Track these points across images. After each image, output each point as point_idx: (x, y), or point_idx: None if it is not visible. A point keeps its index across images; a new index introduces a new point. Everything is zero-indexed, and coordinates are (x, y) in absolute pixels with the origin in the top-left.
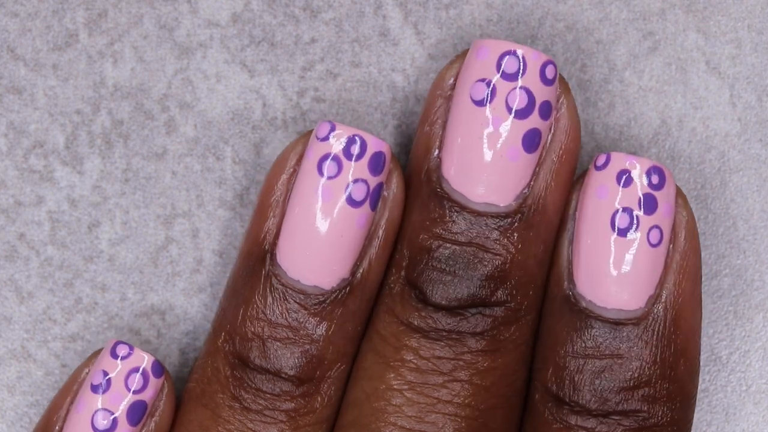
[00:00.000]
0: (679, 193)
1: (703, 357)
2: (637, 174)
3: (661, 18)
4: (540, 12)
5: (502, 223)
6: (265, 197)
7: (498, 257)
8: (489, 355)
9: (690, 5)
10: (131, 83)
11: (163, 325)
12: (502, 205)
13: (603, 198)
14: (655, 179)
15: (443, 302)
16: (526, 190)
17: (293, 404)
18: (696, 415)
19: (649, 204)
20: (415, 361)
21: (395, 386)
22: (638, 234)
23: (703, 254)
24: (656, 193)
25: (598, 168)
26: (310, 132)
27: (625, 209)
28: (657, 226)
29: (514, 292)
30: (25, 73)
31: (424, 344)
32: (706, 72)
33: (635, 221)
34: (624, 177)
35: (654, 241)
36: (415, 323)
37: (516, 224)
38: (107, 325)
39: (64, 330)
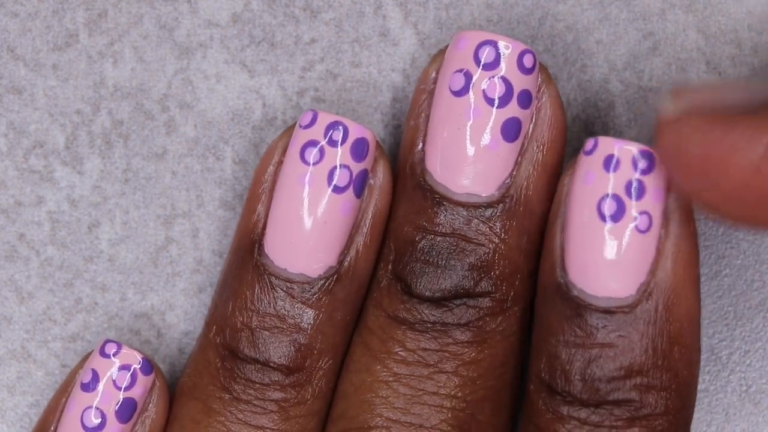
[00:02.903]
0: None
1: (703, 357)
2: (625, 159)
3: (661, 18)
4: (540, 12)
5: (484, 214)
6: (254, 190)
7: (480, 247)
8: (475, 347)
9: (690, 5)
10: (131, 83)
11: (163, 325)
12: (483, 195)
13: (590, 184)
14: (643, 164)
15: (427, 293)
16: (508, 180)
17: (283, 394)
18: (696, 415)
19: (638, 189)
20: (401, 353)
21: (382, 378)
22: (626, 221)
23: (703, 254)
24: (644, 178)
25: (586, 153)
26: (296, 123)
27: (612, 195)
28: (646, 212)
29: (498, 282)
30: (25, 73)
31: (410, 336)
32: (706, 72)
33: (623, 207)
34: (611, 162)
35: (643, 227)
36: (401, 315)
37: (498, 214)
38: (107, 325)
39: (64, 330)
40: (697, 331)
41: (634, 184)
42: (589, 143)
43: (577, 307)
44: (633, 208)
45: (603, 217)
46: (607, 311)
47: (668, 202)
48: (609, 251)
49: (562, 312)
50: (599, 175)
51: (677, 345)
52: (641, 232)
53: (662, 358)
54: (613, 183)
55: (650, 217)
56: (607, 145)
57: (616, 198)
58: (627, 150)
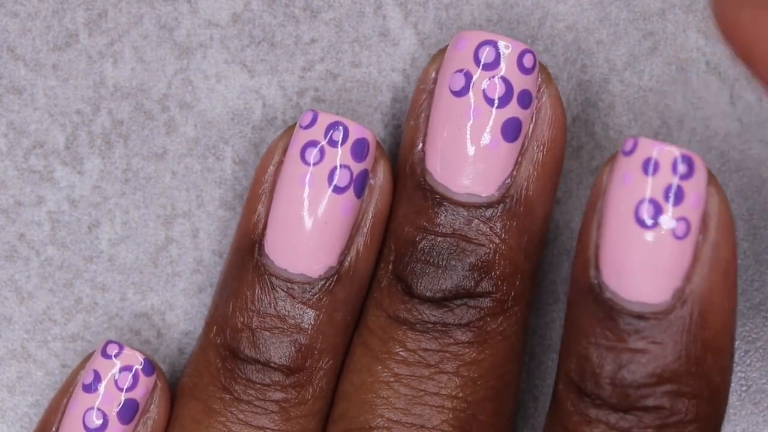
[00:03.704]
0: (711, 180)
1: None
2: (664, 162)
3: (661, 18)
4: (540, 12)
5: (484, 214)
6: (254, 190)
7: (481, 247)
8: (476, 347)
9: (690, 5)
10: (131, 83)
11: (163, 325)
12: (484, 195)
13: (627, 186)
14: (683, 168)
15: (428, 294)
16: (508, 180)
17: (284, 394)
18: None
19: (676, 194)
20: (402, 353)
21: (383, 378)
22: (663, 226)
23: None
24: (684, 183)
25: (625, 154)
26: (296, 123)
27: (650, 200)
28: (684, 218)
29: (499, 282)
30: (25, 73)
31: (410, 336)
32: (706, 72)
33: (660, 212)
34: (650, 165)
35: (680, 233)
36: (402, 316)
37: (498, 214)
38: (107, 325)
39: (64, 330)
40: (732, 337)
41: (673, 189)
42: (629, 144)
43: (609, 309)
44: (670, 213)
45: (640, 221)
46: (641, 316)
47: (707, 207)
48: (644, 256)
49: (594, 313)
50: (637, 178)
51: (711, 352)
52: (678, 238)
53: (695, 365)
54: (651, 187)
55: (688, 223)
56: (646, 147)
57: (654, 202)
58: (667, 153)
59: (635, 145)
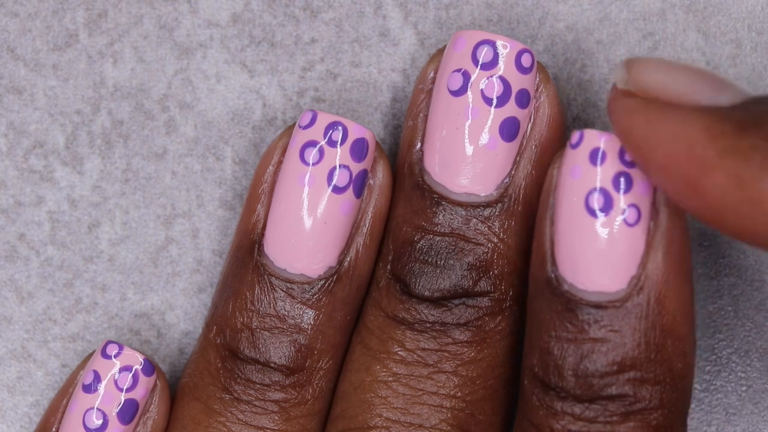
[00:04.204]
0: None
1: (703, 357)
2: (611, 152)
3: (661, 18)
4: (540, 12)
5: (482, 213)
6: (253, 190)
7: (479, 247)
8: (474, 346)
9: (690, 5)
10: (131, 83)
11: (163, 325)
12: (482, 194)
13: (576, 178)
14: (630, 156)
15: (426, 293)
16: (506, 180)
17: (284, 394)
18: (696, 415)
19: (625, 182)
20: (400, 353)
21: (381, 378)
22: (614, 214)
23: (703, 254)
24: (631, 171)
25: (572, 146)
26: (296, 123)
27: (599, 189)
28: (634, 205)
29: (497, 281)
30: (25, 73)
31: (409, 336)
32: None
33: (611, 201)
34: (597, 155)
35: (631, 220)
36: (401, 315)
37: (497, 213)
38: (107, 325)
39: (64, 330)
40: (691, 323)
41: (622, 177)
42: (575, 136)
43: (567, 302)
44: (621, 201)
45: (591, 212)
46: (599, 306)
47: (657, 194)
48: (598, 246)
49: (553, 307)
50: (586, 169)
51: (670, 338)
52: (630, 225)
53: (655, 351)
54: (600, 176)
55: (638, 210)
56: (592, 138)
57: (604, 191)
58: (613, 142)
59: (581, 138)
